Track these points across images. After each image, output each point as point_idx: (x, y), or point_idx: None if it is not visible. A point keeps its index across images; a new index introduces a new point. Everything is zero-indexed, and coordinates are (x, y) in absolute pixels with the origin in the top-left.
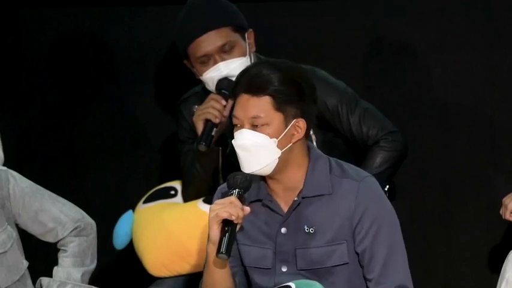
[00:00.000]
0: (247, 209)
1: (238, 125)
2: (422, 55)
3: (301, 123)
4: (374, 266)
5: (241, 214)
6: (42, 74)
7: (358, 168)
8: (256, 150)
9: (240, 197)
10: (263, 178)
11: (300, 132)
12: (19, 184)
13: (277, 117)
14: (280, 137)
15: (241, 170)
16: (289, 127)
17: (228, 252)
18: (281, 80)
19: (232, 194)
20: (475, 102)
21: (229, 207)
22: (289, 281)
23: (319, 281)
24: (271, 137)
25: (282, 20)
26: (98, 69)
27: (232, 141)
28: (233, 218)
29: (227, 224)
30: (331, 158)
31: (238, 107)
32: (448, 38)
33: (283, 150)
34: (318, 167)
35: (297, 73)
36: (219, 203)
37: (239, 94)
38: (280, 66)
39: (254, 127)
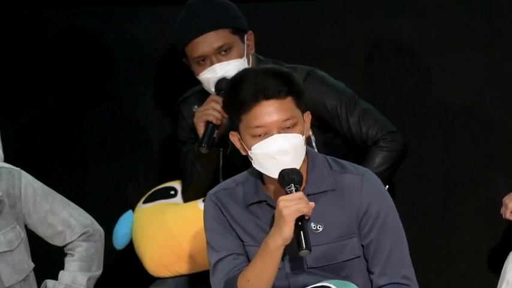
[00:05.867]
0: (312, 203)
1: (263, 134)
2: (422, 55)
3: (309, 116)
4: (379, 258)
5: (311, 208)
6: (41, 74)
7: (355, 164)
8: (296, 150)
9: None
10: (261, 179)
11: (308, 125)
12: (31, 184)
13: (299, 114)
14: (304, 131)
15: (269, 175)
16: (306, 121)
17: (309, 246)
18: (290, 78)
19: (293, 190)
20: (475, 102)
21: (304, 202)
22: (301, 280)
23: (331, 277)
24: (301, 134)
25: (282, 20)
26: (97, 69)
27: (261, 150)
28: (307, 211)
29: (299, 219)
30: (326, 156)
31: (263, 115)
32: (448, 38)
33: (304, 143)
34: (317, 165)
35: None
36: (290, 199)
37: (257, 103)
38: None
39: (285, 129)
